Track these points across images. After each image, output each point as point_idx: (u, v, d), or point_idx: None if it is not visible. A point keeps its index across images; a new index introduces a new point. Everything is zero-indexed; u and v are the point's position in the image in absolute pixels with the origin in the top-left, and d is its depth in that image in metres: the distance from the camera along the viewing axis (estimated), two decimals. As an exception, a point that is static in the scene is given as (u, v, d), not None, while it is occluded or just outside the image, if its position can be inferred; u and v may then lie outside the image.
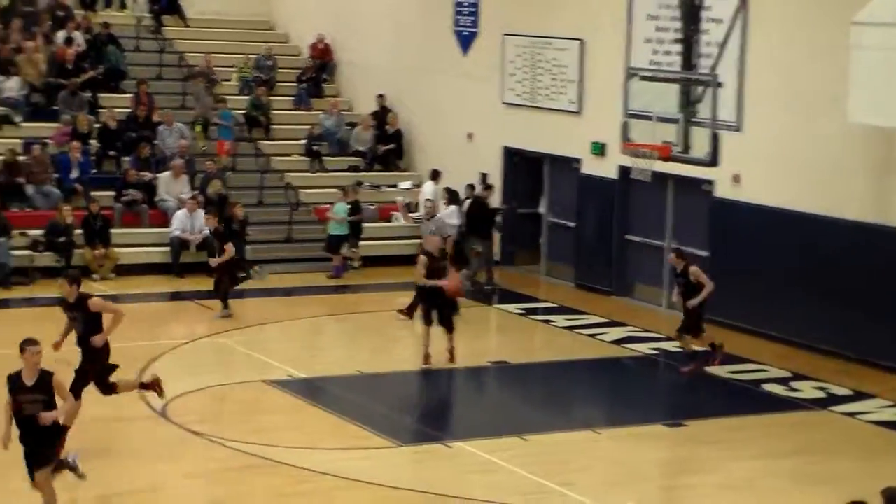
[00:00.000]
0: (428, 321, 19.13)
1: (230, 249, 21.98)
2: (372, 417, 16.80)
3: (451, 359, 19.13)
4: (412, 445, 15.87)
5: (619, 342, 21.34)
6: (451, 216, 25.20)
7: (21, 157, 25.49)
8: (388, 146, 29.20)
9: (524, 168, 26.91)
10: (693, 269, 19.15)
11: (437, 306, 19.03)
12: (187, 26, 32.26)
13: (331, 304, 24.01)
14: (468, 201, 25.45)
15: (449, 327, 19.14)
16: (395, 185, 28.44)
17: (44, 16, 29.96)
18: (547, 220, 26.47)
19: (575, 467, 15.33)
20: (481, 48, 27.58)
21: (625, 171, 22.83)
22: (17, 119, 27.12)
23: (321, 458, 15.03)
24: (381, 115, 29.57)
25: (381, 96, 29.66)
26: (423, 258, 19.12)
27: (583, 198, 25.29)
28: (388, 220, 27.79)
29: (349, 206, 25.86)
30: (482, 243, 24.87)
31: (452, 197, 25.76)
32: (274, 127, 29.51)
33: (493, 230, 25.21)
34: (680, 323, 19.38)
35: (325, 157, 28.91)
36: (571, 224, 25.68)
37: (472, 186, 26.06)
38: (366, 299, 24.67)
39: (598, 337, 21.57)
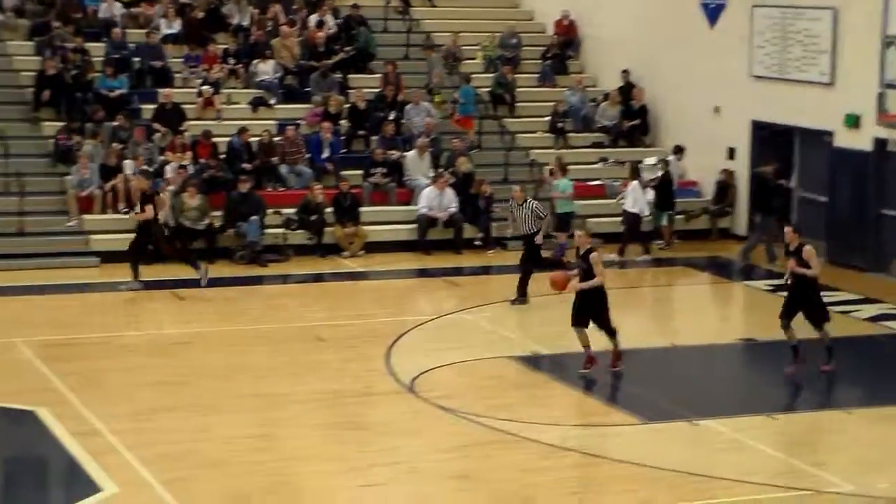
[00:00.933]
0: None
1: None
2: (616, 394, 16.63)
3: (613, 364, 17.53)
4: (657, 423, 15.62)
5: (873, 319, 20.64)
6: (634, 192, 24.90)
7: (275, 138, 26.13)
8: (633, 122, 28.90)
9: (772, 142, 26.25)
10: (807, 248, 17.21)
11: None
12: (434, 6, 32.51)
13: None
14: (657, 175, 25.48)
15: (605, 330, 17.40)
16: (640, 161, 28.09)
17: (298, 0, 30.63)
18: (797, 195, 25.81)
19: (826, 448, 14.87)
20: (729, 20, 27.03)
21: (881, 143, 22.03)
22: (272, 101, 27.79)
23: (565, 434, 14.95)
24: (626, 90, 29.26)
25: (625, 72, 29.33)
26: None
27: (835, 171, 24.58)
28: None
29: (572, 182, 25.65)
30: (764, 220, 24.47)
31: (634, 172, 25.43)
32: (518, 104, 29.49)
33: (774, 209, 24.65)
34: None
35: (569, 134, 28.77)
36: (823, 199, 24.98)
37: (665, 162, 26.02)
38: (608, 275, 24.37)
39: (851, 314, 20.91)
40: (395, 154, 26.52)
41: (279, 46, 28.60)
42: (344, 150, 26.90)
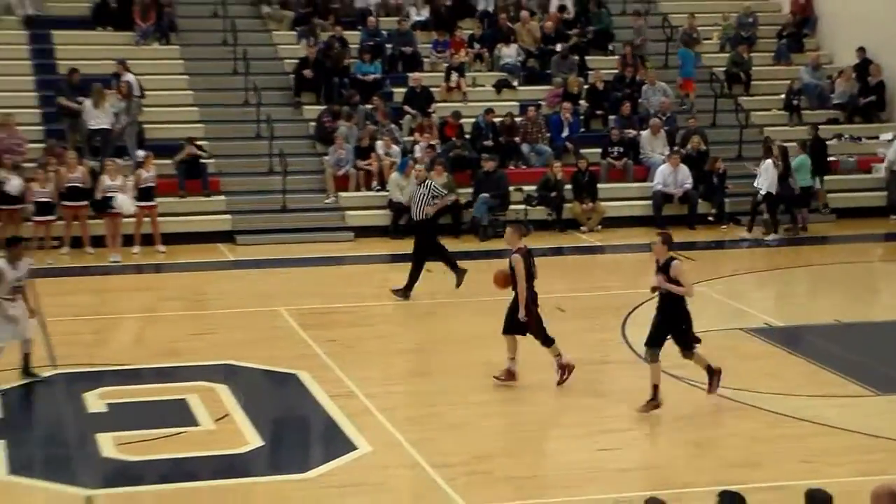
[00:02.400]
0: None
1: None
2: (849, 366, 16.25)
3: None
4: (891, 395, 15.22)
5: None
6: (767, 171, 24.05)
7: (517, 119, 26.33)
8: (869, 98, 28.06)
9: None
10: (676, 263, 14.06)
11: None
12: (671, -11, 32.21)
13: (803, 255, 23.41)
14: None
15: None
16: (875, 137, 27.27)
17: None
18: None
19: None
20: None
21: None
22: (515, 83, 27.98)
23: (797, 404, 14.70)
24: (862, 67, 28.41)
25: (861, 49, 28.47)
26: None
27: None
28: (868, 172, 26.72)
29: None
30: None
31: (767, 151, 24.53)
32: (754, 83, 28.96)
33: None
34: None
35: (803, 111, 28.12)
36: None
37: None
38: (840, 250, 23.82)
39: None
40: (631, 133, 26.42)
41: (522, 31, 28.78)
42: (582, 130, 26.92)
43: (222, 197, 24.30)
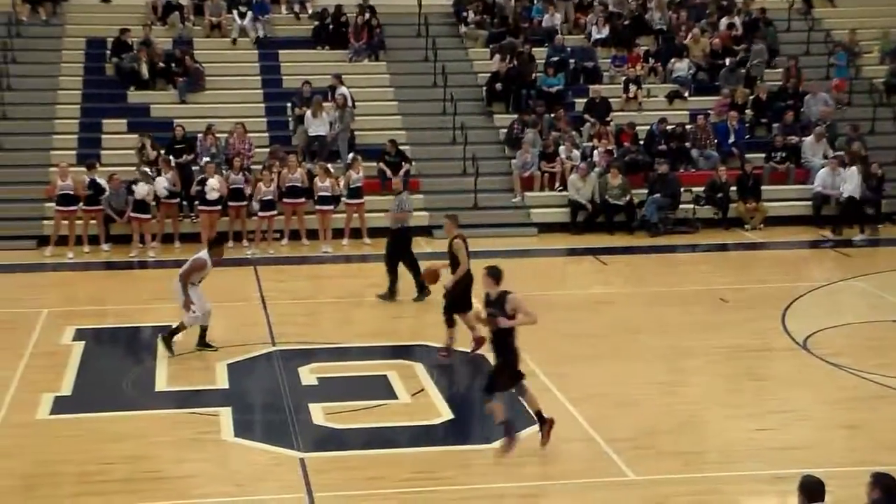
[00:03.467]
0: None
1: None
2: None
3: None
4: None
5: None
6: (852, 177, 23.17)
7: (688, 126, 25.90)
8: None
9: None
10: (511, 296, 12.21)
11: None
12: (834, 7, 31.19)
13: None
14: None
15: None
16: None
17: (710, 5, 30.17)
18: None
19: None
20: None
21: None
22: (686, 94, 27.51)
23: (949, 392, 14.10)
24: None
25: None
26: None
27: None
28: None
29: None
30: None
31: (853, 158, 23.51)
32: (911, 93, 27.90)
33: None
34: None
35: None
36: None
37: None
38: None
39: None
40: (793, 139, 25.71)
41: (693, 46, 28.27)
42: (748, 136, 26.29)
43: (421, 196, 24.50)
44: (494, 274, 12.20)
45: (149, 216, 22.25)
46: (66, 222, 22.04)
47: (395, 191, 19.80)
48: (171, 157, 23.26)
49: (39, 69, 26.80)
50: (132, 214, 22.18)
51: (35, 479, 11.33)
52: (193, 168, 23.32)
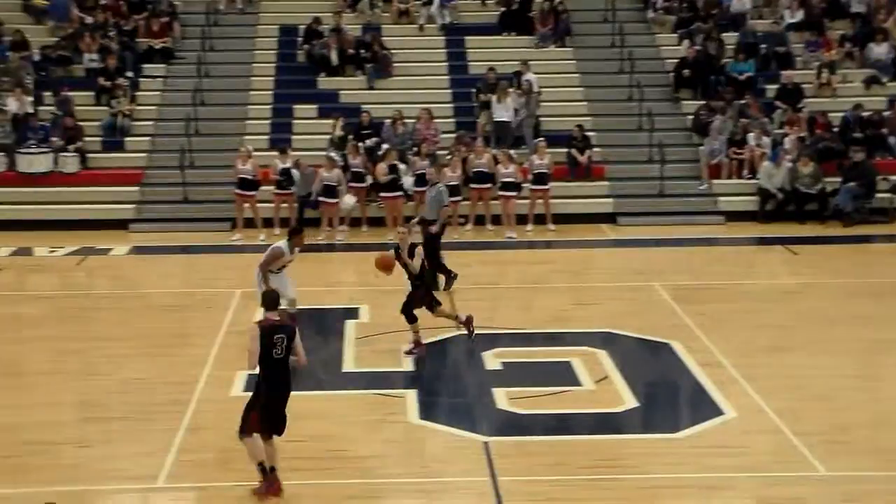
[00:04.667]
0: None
1: None
2: None
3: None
4: None
5: None
6: None
7: (885, 113, 25.01)
8: None
9: None
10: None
11: None
12: None
13: None
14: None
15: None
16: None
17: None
18: None
19: None
20: None
21: None
22: (884, 79, 26.56)
23: None
24: None
25: None
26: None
27: None
28: None
29: None
30: None
31: None
32: None
33: None
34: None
35: None
36: None
37: None
38: None
39: None
40: None
41: (893, 29, 27.26)
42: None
43: (606, 182, 24.35)
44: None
45: (336, 200, 22.68)
46: (247, 206, 22.70)
47: (431, 182, 19.29)
48: (358, 143, 23.68)
49: (235, 56, 27.64)
50: (320, 199, 22.66)
51: (230, 454, 11.69)
52: (378, 153, 23.67)
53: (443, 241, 18.69)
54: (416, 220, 18.44)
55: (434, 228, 18.28)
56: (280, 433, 10.88)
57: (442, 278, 17.82)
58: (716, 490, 11.11)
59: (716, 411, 12.87)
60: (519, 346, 15.49)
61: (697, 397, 13.54)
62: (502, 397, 13.41)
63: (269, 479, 10.78)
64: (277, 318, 10.92)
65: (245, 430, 10.79)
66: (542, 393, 13.58)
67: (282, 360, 10.74)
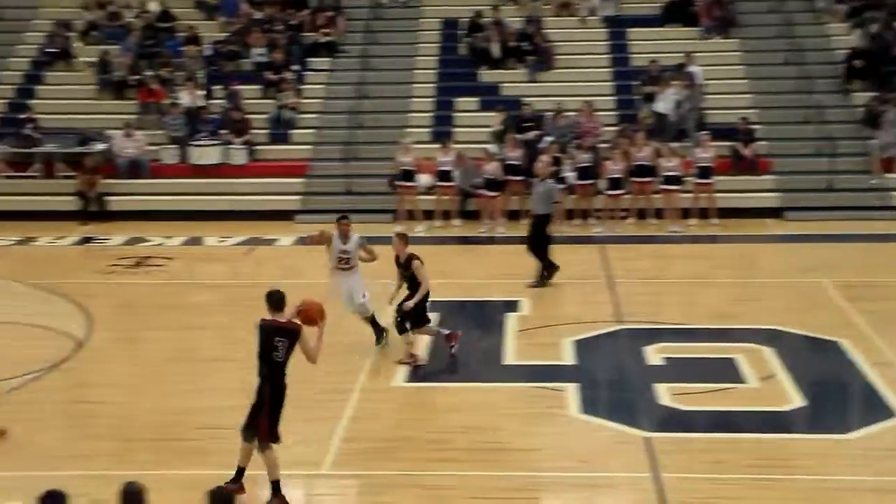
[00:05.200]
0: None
1: None
2: None
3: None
4: None
5: None
6: None
7: None
8: None
9: None
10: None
11: None
12: None
13: None
14: None
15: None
16: None
17: None
18: None
19: None
20: None
21: None
22: None
23: None
24: None
25: None
26: None
27: None
28: None
29: None
30: None
31: None
32: None
33: None
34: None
35: None
36: None
37: None
38: None
39: None
40: None
41: None
42: None
43: (771, 176, 23.83)
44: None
45: (497, 193, 22.71)
46: (408, 198, 22.93)
47: (541, 176, 18.61)
48: (517, 136, 23.68)
49: (398, 49, 27.92)
50: (480, 191, 22.73)
51: (392, 443, 11.82)
52: (538, 146, 23.61)
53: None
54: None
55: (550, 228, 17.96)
56: (278, 441, 10.33)
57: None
58: (891, 494, 10.74)
59: (888, 413, 12.46)
60: (681, 341, 15.27)
61: (868, 398, 13.14)
62: (664, 393, 13.24)
63: (280, 499, 10.22)
64: (283, 320, 10.33)
65: (264, 444, 10.23)
66: (706, 389, 13.37)
67: (281, 364, 10.23)
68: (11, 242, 22.14)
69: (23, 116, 25.53)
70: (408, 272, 14.19)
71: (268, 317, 10.33)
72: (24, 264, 20.52)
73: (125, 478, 8.13)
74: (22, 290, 18.59)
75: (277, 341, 10.17)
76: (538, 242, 18.01)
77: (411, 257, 14.17)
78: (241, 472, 10.43)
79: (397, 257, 14.30)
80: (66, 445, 11.94)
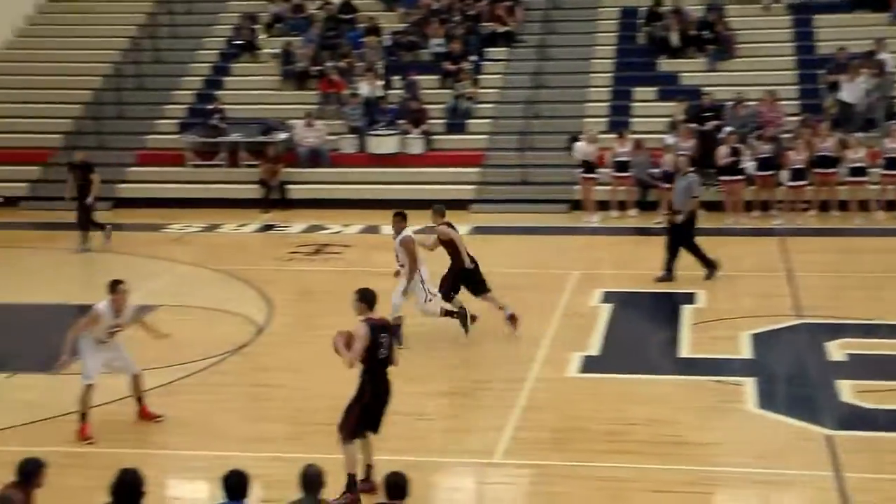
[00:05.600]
0: None
1: None
2: None
3: None
4: None
5: None
6: None
7: None
8: None
9: None
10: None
11: None
12: None
13: None
14: None
15: None
16: None
17: None
18: None
19: None
20: None
21: None
22: None
23: None
24: None
25: None
26: None
27: None
28: None
29: None
30: None
31: None
32: None
33: None
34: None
35: None
36: None
37: None
38: None
39: None
40: None
41: None
42: None
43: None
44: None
45: (669, 185, 22.31)
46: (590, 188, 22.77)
47: (682, 171, 17.89)
48: (693, 125, 23.24)
49: (575, 39, 27.72)
50: (656, 182, 22.39)
51: (565, 434, 11.73)
52: (718, 136, 23.11)
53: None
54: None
55: (679, 218, 17.38)
56: (377, 431, 10.28)
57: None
58: None
59: None
60: (866, 337, 14.73)
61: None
62: (847, 390, 12.79)
63: (355, 495, 10.05)
64: (384, 318, 10.35)
65: (347, 436, 10.12)
66: (893, 388, 12.85)
67: (385, 361, 10.15)
68: (199, 229, 22.81)
69: (210, 107, 26.26)
70: (447, 249, 14.87)
71: (370, 315, 10.12)
72: (209, 251, 21.11)
73: (300, 461, 8.26)
74: (209, 275, 19.13)
75: (382, 338, 10.12)
76: (686, 238, 17.50)
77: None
78: (367, 468, 10.33)
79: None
80: (244, 427, 12.22)
